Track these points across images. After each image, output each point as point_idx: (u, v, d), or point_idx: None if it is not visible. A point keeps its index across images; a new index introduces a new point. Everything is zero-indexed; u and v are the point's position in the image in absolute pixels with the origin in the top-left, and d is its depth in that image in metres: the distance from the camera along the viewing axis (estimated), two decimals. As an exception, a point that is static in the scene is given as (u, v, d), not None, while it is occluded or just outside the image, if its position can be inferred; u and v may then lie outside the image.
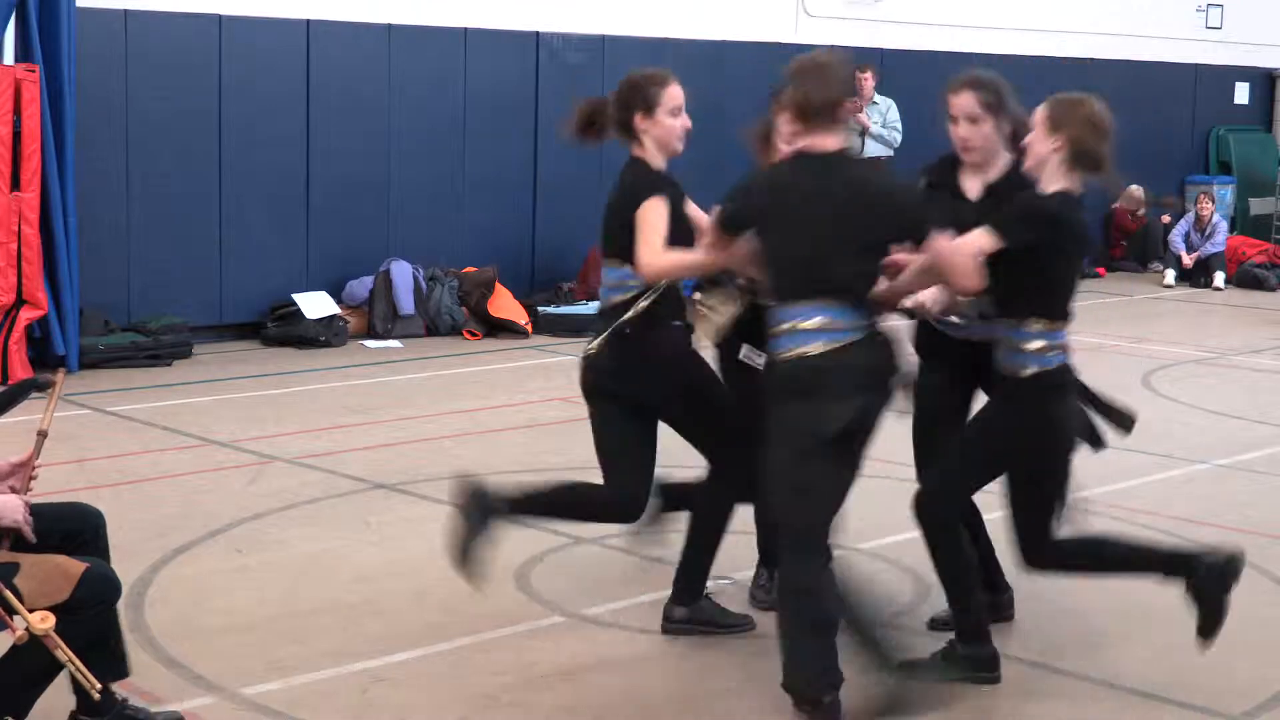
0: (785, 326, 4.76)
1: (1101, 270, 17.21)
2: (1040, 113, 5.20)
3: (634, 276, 5.16)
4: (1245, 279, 16.49)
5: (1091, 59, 17.56)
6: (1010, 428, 5.04)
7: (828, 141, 4.80)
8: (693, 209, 5.42)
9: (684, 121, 5.31)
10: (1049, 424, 4.99)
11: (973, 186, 5.42)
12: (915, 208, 4.90)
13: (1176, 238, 16.78)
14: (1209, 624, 5.14)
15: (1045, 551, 5.11)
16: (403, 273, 12.30)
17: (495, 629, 5.61)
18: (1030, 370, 4.95)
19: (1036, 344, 4.95)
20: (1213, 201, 16.94)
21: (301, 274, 12.24)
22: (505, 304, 12.59)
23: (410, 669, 5.29)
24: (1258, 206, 18.84)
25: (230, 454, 8.33)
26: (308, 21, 12.15)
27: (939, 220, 4.82)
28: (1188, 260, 16.63)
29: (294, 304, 11.89)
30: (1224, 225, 16.84)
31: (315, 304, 11.95)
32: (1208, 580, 5.14)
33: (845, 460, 4.75)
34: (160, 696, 4.88)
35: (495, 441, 8.72)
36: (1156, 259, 17.27)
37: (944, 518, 5.16)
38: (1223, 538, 6.95)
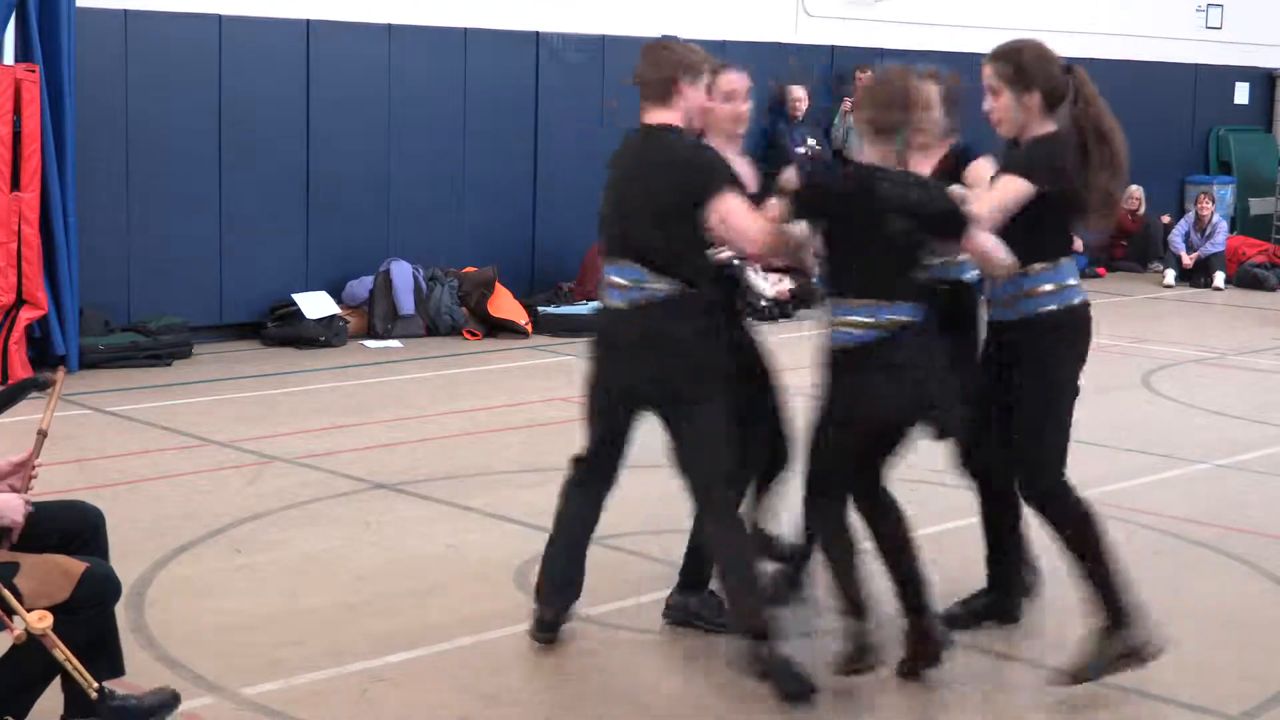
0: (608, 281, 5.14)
1: (1102, 270, 17.21)
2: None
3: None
4: (1245, 279, 16.49)
5: (1091, 59, 17.57)
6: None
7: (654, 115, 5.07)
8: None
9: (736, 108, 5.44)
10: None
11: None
12: (701, 172, 5.00)
13: (1176, 238, 16.78)
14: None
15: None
16: (403, 273, 12.30)
17: (495, 629, 5.61)
18: (1049, 307, 5.20)
19: (1050, 285, 5.22)
20: (1213, 201, 16.94)
21: (301, 274, 12.24)
22: (505, 304, 12.59)
23: (410, 669, 5.29)
24: (1258, 206, 18.84)
25: (230, 454, 8.33)
26: (308, 21, 12.15)
27: (728, 185, 4.99)
28: (1188, 260, 16.63)
29: (294, 304, 11.89)
30: (1224, 225, 16.84)
31: (315, 304, 11.95)
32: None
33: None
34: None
35: (495, 441, 8.72)
36: (1156, 259, 17.27)
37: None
38: (1223, 537, 6.97)
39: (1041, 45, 5.34)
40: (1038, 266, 5.18)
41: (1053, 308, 5.20)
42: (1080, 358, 5.30)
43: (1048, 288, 5.20)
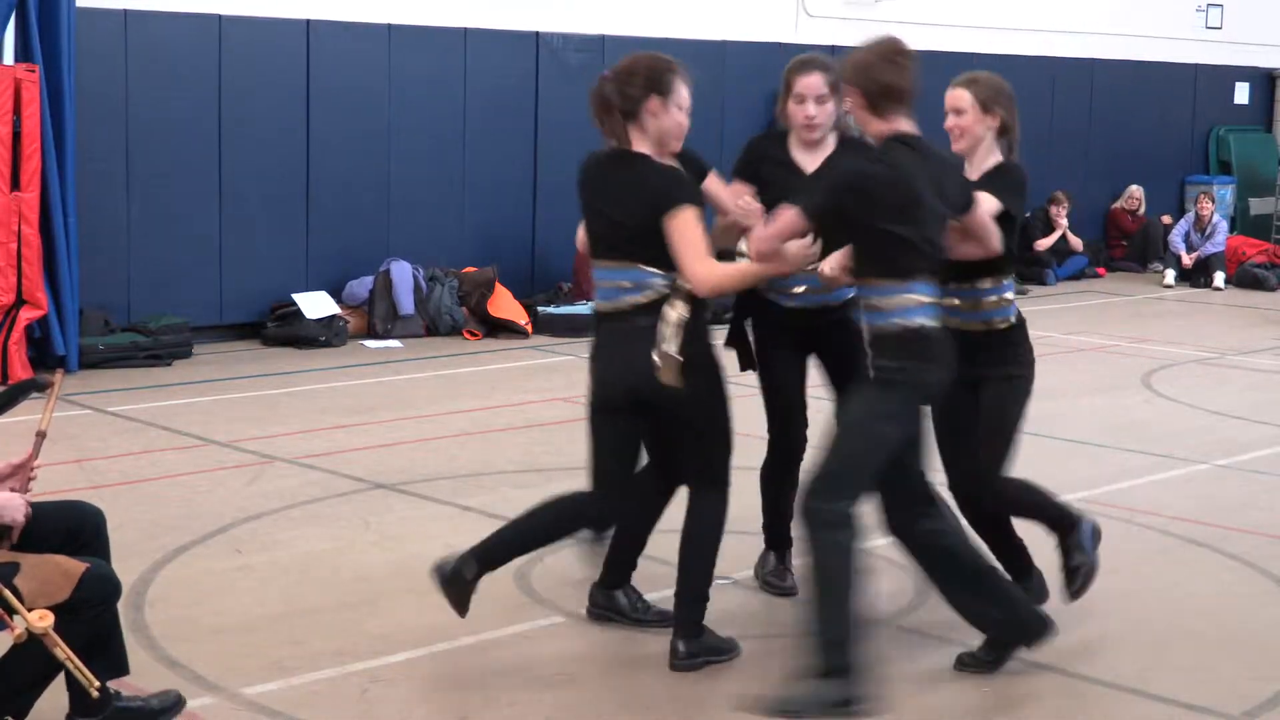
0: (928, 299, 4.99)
1: (1101, 270, 17.22)
2: (968, 97, 5.45)
3: (658, 277, 5.08)
4: (1245, 279, 16.49)
5: (1091, 59, 17.57)
6: (1014, 367, 5.50)
7: (908, 124, 5.02)
8: (712, 181, 5.51)
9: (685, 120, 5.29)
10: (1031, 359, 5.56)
11: (809, 161, 5.76)
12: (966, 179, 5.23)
13: (1176, 238, 16.78)
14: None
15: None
16: (403, 273, 12.30)
17: (495, 629, 5.61)
18: (1003, 322, 5.45)
19: (994, 297, 5.42)
20: (1213, 201, 16.94)
21: (301, 274, 12.24)
22: (505, 304, 12.59)
23: (410, 669, 5.29)
24: (1258, 206, 18.84)
25: (230, 454, 8.33)
26: (308, 21, 12.15)
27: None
28: (1188, 260, 16.63)
29: (294, 304, 11.90)
30: (1224, 225, 16.84)
31: (315, 304, 11.95)
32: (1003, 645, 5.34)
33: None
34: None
35: (495, 441, 8.72)
36: (1156, 259, 17.27)
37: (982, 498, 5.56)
38: (1223, 537, 6.97)
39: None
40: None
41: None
42: None
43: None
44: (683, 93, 5.17)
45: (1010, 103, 5.46)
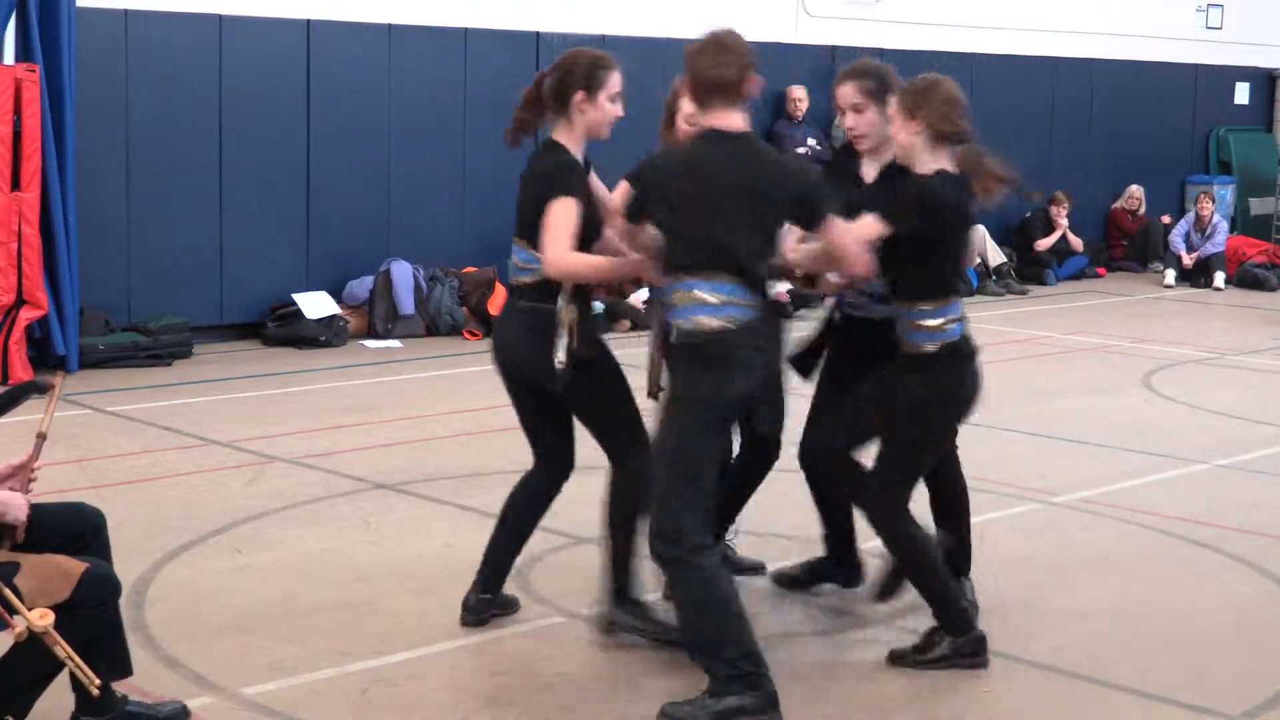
0: (684, 296, 4.83)
1: (1102, 270, 17.22)
2: (894, 102, 5.30)
3: (538, 261, 5.21)
4: (1245, 279, 16.49)
5: (1091, 59, 17.57)
6: (911, 399, 5.19)
7: (730, 120, 4.88)
8: (599, 187, 5.46)
9: (617, 110, 5.37)
10: (946, 396, 5.23)
11: (869, 171, 5.64)
12: (812, 191, 4.91)
13: (1176, 238, 16.78)
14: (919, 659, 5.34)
15: (898, 518, 5.25)
16: (403, 273, 12.30)
17: (495, 629, 5.61)
18: (931, 346, 5.16)
19: (933, 321, 5.14)
20: (1213, 201, 16.94)
21: (301, 274, 12.24)
22: (505, 304, 12.58)
23: (410, 669, 5.29)
24: (1258, 206, 18.84)
25: (230, 454, 8.33)
26: (308, 21, 12.15)
27: (835, 205, 4.92)
28: (1188, 260, 16.63)
29: (294, 304, 11.90)
30: (1224, 225, 16.84)
31: (315, 304, 11.95)
32: (952, 653, 5.32)
33: (725, 430, 5.01)
34: (160, 697, 4.87)
35: (495, 441, 8.71)
36: (1156, 259, 17.27)
37: (826, 469, 5.52)
38: (1223, 537, 6.97)
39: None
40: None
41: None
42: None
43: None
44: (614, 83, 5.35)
45: (943, 105, 5.20)
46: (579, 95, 5.34)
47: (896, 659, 5.35)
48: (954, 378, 5.22)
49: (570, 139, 5.39)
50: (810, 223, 4.90)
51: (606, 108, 5.33)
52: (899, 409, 5.19)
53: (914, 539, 5.26)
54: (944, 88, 5.22)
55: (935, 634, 5.32)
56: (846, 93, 5.56)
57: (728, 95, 4.90)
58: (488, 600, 5.63)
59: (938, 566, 5.30)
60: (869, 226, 4.99)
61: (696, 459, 4.79)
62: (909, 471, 5.29)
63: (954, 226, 5.18)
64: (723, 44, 5.01)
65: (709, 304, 4.77)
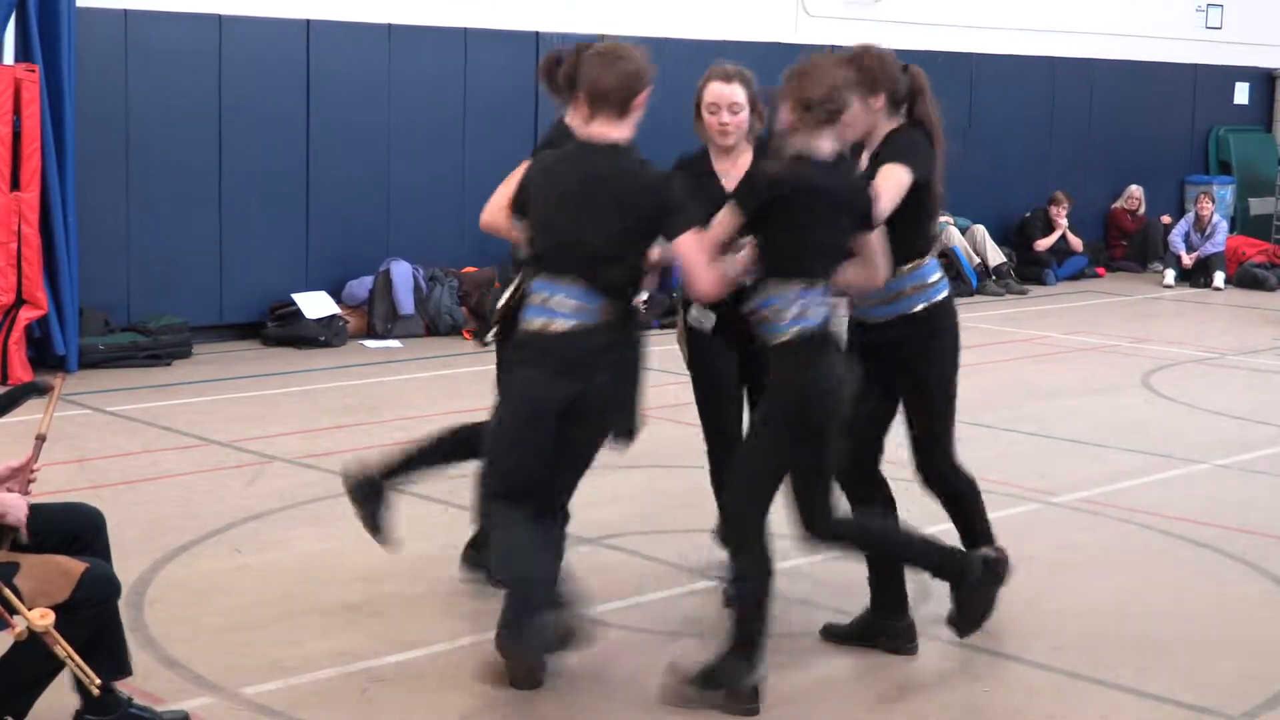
0: (534, 295, 4.97)
1: (1101, 270, 17.22)
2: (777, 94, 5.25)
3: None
4: (1245, 279, 16.48)
5: (1091, 59, 17.57)
6: (770, 393, 4.98)
7: (609, 130, 4.93)
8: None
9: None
10: (810, 384, 4.89)
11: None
12: (667, 205, 4.89)
13: (1176, 238, 16.78)
14: (970, 620, 5.32)
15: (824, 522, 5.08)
16: (403, 273, 12.30)
17: (495, 629, 5.60)
18: (786, 336, 4.89)
19: (795, 308, 4.88)
20: (1213, 201, 16.94)
21: (301, 274, 12.24)
22: (505, 304, 12.58)
23: (410, 669, 5.29)
24: (1258, 206, 18.84)
25: (230, 454, 8.33)
26: (308, 21, 12.15)
27: (694, 221, 4.87)
28: (1187, 260, 16.63)
29: (294, 304, 11.90)
30: (1224, 225, 16.84)
31: (315, 304, 11.95)
32: (979, 584, 5.29)
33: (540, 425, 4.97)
34: (160, 696, 4.88)
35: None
36: (1156, 259, 17.27)
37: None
38: (1223, 537, 6.97)
39: (880, 48, 5.34)
40: (906, 267, 5.31)
41: (920, 306, 5.37)
42: (957, 351, 5.52)
43: (923, 283, 5.38)
44: None
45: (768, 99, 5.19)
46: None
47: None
48: (809, 368, 4.89)
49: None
50: (669, 237, 4.89)
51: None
52: (769, 405, 5.01)
53: (848, 534, 5.18)
54: (801, 66, 5.10)
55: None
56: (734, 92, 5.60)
57: (609, 106, 4.93)
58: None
59: (891, 544, 5.28)
60: (723, 218, 4.90)
61: (506, 449, 5.00)
62: (773, 470, 4.97)
63: (804, 208, 4.87)
64: (614, 56, 4.99)
65: (552, 306, 4.91)
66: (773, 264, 4.90)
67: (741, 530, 4.96)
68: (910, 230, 5.26)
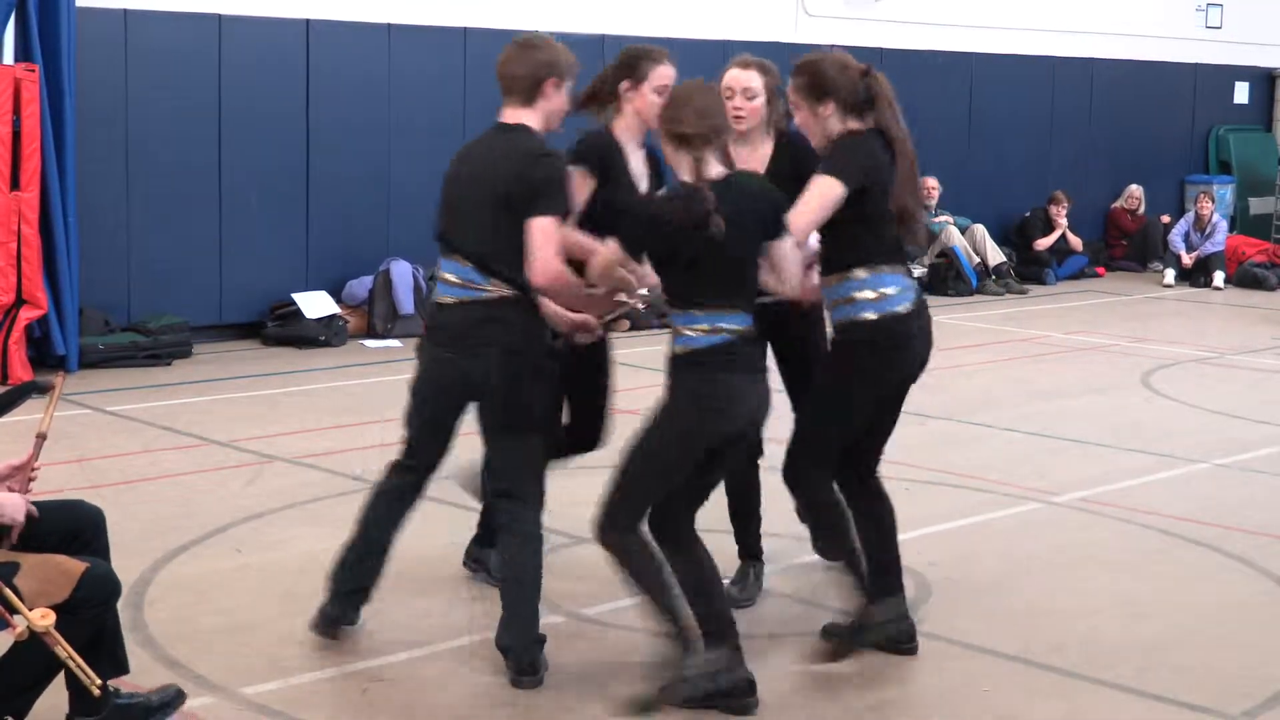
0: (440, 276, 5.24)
1: (1101, 270, 17.22)
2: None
3: None
4: (1245, 279, 16.48)
5: (1091, 59, 17.57)
6: (667, 402, 4.89)
7: (515, 116, 5.17)
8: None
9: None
10: (675, 407, 4.85)
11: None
12: (531, 188, 4.97)
13: (1176, 237, 16.78)
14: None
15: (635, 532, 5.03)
16: (403, 273, 12.30)
17: (495, 629, 5.60)
18: (678, 349, 4.86)
19: (689, 329, 4.82)
20: (1212, 201, 16.94)
21: (301, 274, 12.24)
22: (505, 304, 12.58)
23: (410, 669, 5.29)
24: (1258, 206, 18.84)
25: (230, 454, 8.33)
26: (308, 21, 12.15)
27: (556, 208, 4.98)
28: (1187, 260, 16.63)
29: (294, 304, 11.90)
30: (1224, 225, 16.84)
31: (315, 304, 11.95)
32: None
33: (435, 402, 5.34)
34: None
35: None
36: (1156, 259, 17.27)
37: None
38: (1223, 537, 6.97)
39: (840, 55, 5.27)
40: (858, 272, 5.11)
41: (869, 316, 5.11)
42: (885, 373, 5.18)
43: (867, 295, 5.11)
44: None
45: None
46: (625, 85, 5.67)
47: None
48: (688, 389, 4.84)
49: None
50: (526, 216, 4.96)
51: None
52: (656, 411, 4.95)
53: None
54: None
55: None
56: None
57: (514, 92, 5.17)
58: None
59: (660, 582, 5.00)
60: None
61: (410, 419, 5.46)
62: (654, 486, 4.94)
63: (684, 242, 4.77)
64: (526, 45, 5.24)
65: (448, 282, 5.15)
66: (669, 290, 4.90)
67: (611, 522, 4.96)
68: (842, 241, 5.13)
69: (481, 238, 5.08)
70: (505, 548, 5.32)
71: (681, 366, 4.84)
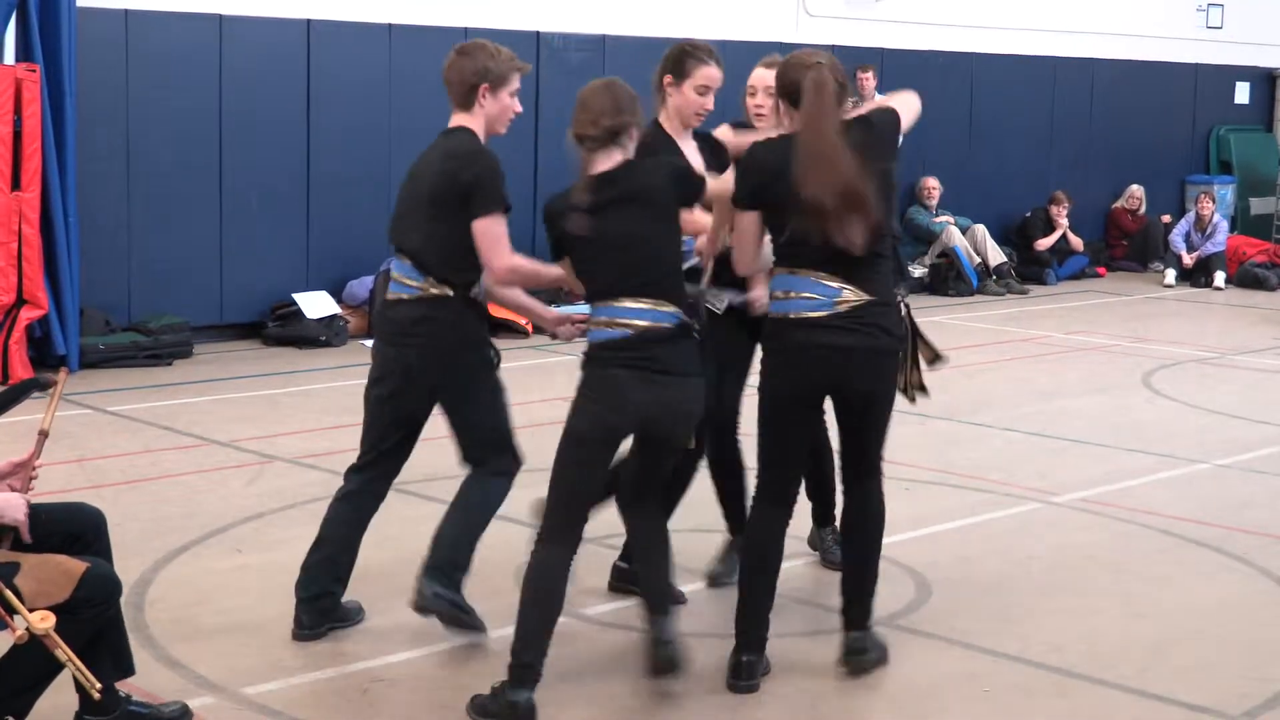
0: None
1: (1102, 270, 17.23)
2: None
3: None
4: (1245, 279, 16.49)
5: (1091, 59, 17.57)
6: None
7: (459, 119, 5.36)
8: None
9: (516, 106, 5.48)
10: (581, 404, 4.92)
11: None
12: (466, 187, 5.21)
13: (1177, 238, 16.78)
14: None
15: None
16: (403, 273, 12.30)
17: (495, 629, 5.60)
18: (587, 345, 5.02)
19: (596, 320, 4.99)
20: (1213, 201, 16.94)
21: (301, 274, 12.25)
22: (505, 304, 12.59)
23: (410, 669, 5.29)
24: (1258, 206, 18.85)
25: (230, 454, 8.33)
26: (308, 21, 12.15)
27: (491, 208, 5.24)
28: (1188, 260, 16.63)
29: (294, 304, 11.90)
30: (1224, 225, 16.84)
31: (315, 304, 11.95)
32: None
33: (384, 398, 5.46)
34: (161, 696, 4.87)
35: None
36: (1156, 259, 17.27)
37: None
38: (1223, 537, 6.97)
39: (805, 51, 5.17)
40: (777, 270, 5.05)
41: (773, 313, 5.06)
42: (788, 371, 5.02)
43: (776, 293, 5.05)
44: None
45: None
46: (667, 80, 5.71)
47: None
48: (581, 382, 4.92)
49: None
50: (470, 217, 5.20)
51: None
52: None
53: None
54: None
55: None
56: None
57: (454, 98, 5.35)
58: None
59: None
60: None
61: (365, 419, 5.59)
62: (562, 485, 5.00)
63: (577, 241, 5.01)
64: (461, 52, 5.40)
65: (396, 279, 5.35)
66: (583, 284, 5.05)
67: (542, 530, 5.02)
68: (776, 244, 5.09)
69: (417, 237, 5.31)
70: (470, 488, 5.52)
71: (583, 361, 4.98)
